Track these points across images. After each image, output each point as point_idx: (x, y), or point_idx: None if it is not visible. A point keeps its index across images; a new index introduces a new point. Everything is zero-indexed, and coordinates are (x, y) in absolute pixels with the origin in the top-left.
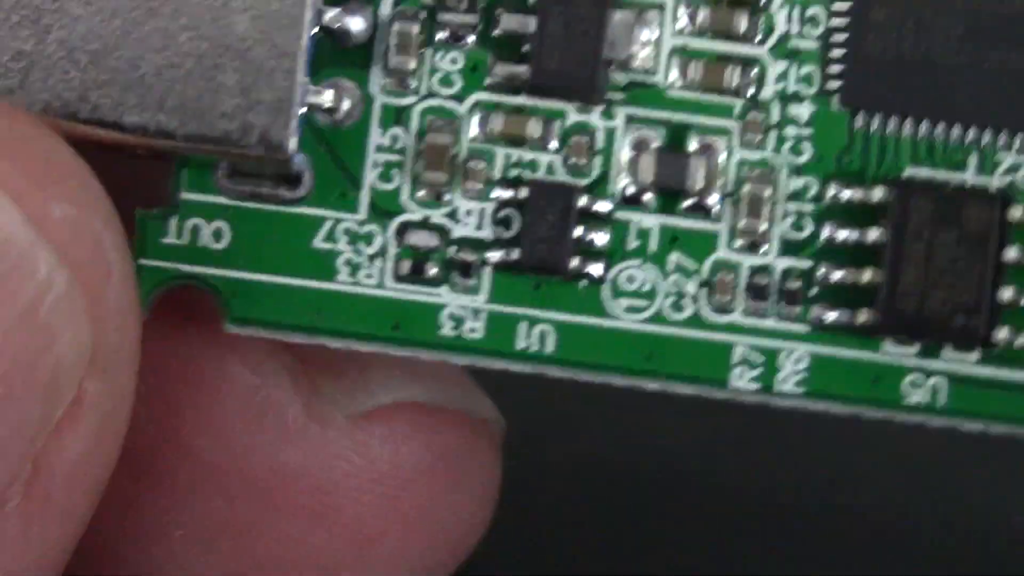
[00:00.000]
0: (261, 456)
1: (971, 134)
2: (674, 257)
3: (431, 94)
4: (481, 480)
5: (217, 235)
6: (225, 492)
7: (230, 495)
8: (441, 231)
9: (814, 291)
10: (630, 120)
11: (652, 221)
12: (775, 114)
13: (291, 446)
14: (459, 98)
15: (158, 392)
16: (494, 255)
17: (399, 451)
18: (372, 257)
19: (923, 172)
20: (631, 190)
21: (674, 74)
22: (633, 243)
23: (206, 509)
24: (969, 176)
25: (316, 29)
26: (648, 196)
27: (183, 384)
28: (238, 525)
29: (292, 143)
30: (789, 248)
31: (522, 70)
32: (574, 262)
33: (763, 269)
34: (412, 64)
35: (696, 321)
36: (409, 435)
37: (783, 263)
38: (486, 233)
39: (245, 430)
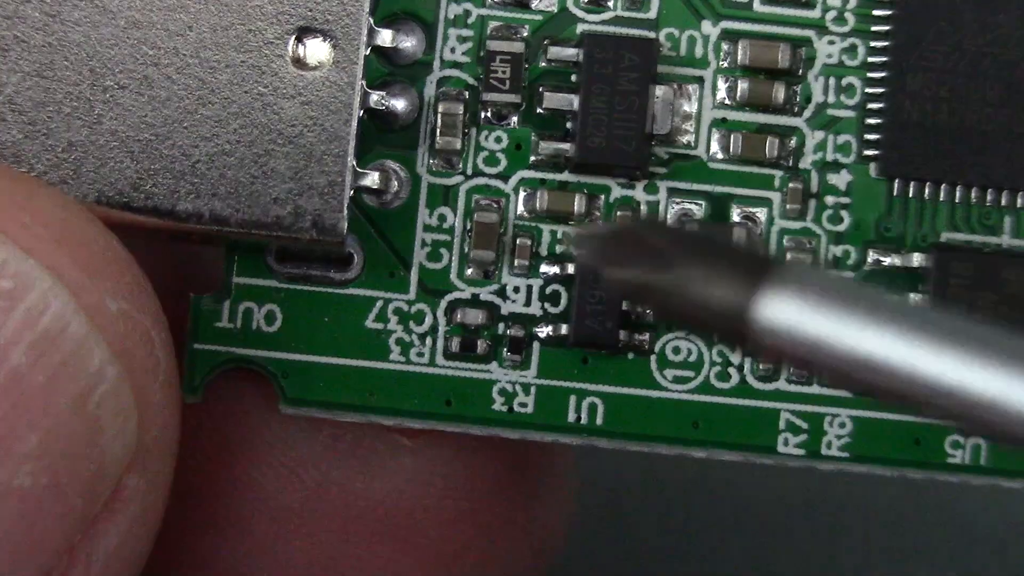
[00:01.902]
0: (335, 490)
1: (1005, 198)
2: None
3: (477, 173)
4: (559, 481)
5: (269, 318)
6: (305, 530)
7: (310, 533)
8: (490, 308)
9: None
10: (673, 193)
11: None
12: (814, 183)
13: (364, 476)
14: (504, 176)
15: (227, 442)
16: (543, 331)
17: (472, 463)
18: (423, 336)
19: (959, 237)
20: None
21: (715, 146)
22: None
23: (288, 549)
24: (1005, 240)
25: (361, 112)
26: None
27: (250, 431)
28: (323, 561)
29: (345, 226)
30: None
31: (566, 147)
32: (622, 335)
33: None
34: (458, 144)
35: (742, 390)
36: (480, 446)
37: None
38: (534, 309)
39: (315, 466)
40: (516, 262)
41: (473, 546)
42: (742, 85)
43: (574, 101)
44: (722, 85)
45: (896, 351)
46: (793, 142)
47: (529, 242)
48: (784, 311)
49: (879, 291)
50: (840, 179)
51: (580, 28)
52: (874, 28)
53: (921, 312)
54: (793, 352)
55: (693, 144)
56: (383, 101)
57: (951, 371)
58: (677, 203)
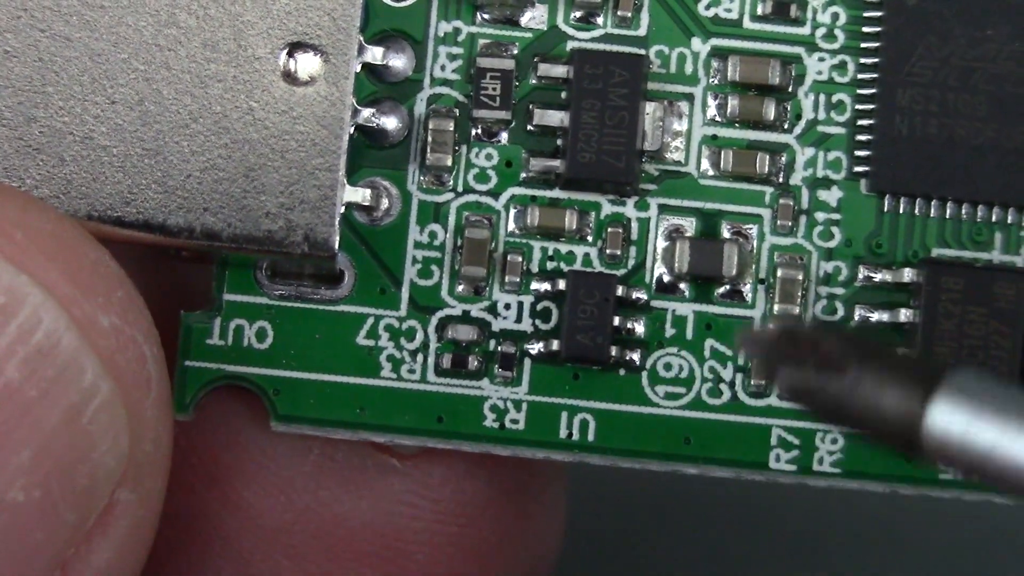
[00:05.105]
0: (324, 510)
1: (996, 213)
2: (710, 343)
3: (467, 190)
4: (548, 507)
5: (260, 335)
6: (292, 551)
7: (298, 554)
8: (481, 324)
9: None
10: (663, 210)
11: (687, 309)
12: (805, 200)
13: (353, 497)
14: (495, 193)
15: (217, 460)
16: (534, 347)
17: (462, 487)
18: (414, 352)
19: (950, 253)
20: (667, 278)
21: (705, 163)
22: (670, 331)
23: (276, 569)
24: (995, 255)
25: (352, 129)
26: (683, 284)
27: (240, 449)
28: None
29: (337, 240)
30: None
31: (556, 164)
32: (613, 351)
33: None
34: (448, 161)
35: (733, 406)
36: (470, 470)
37: None
38: (526, 325)
39: (305, 486)
40: (507, 279)
41: (463, 569)
42: (732, 102)
43: (564, 118)
44: (712, 102)
45: None
46: (784, 158)
47: (520, 259)
48: (956, 419)
49: None
50: (831, 195)
51: (570, 45)
52: (864, 44)
53: None
54: (963, 460)
55: (683, 161)
56: (373, 118)
57: None
58: (667, 220)
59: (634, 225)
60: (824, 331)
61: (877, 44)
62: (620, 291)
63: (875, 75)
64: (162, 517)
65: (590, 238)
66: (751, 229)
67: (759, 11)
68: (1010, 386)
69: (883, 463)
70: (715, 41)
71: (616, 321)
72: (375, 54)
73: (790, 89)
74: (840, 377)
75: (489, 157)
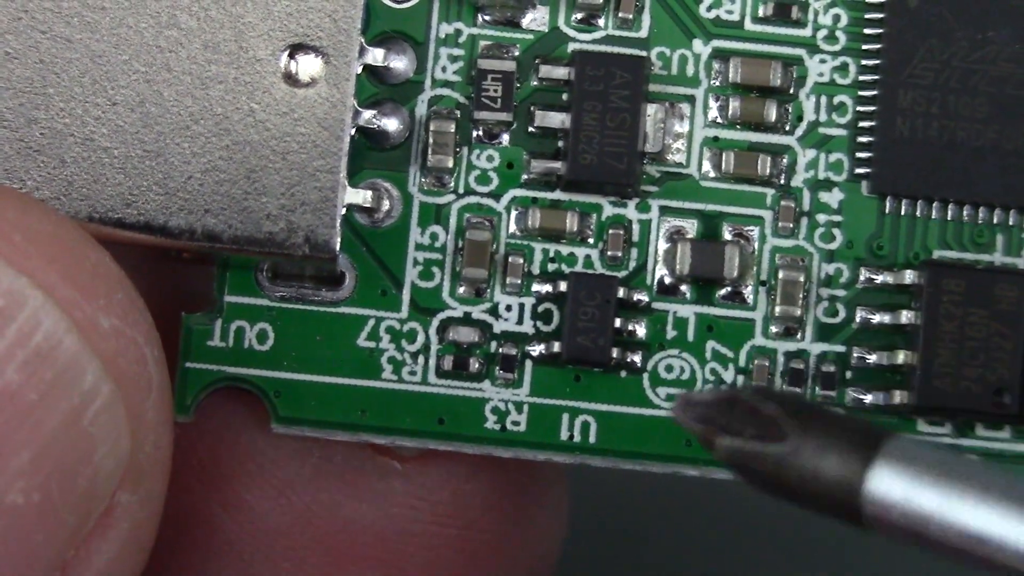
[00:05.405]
0: (324, 513)
1: (997, 215)
2: (711, 345)
3: (468, 192)
4: (549, 509)
5: (261, 337)
6: (292, 554)
7: (298, 556)
8: (482, 326)
9: (849, 375)
10: (664, 212)
11: (689, 310)
12: (806, 201)
13: (353, 500)
14: (496, 195)
15: (217, 462)
16: (535, 349)
17: (461, 490)
18: (415, 354)
19: (951, 255)
20: (668, 280)
21: (706, 165)
22: (671, 333)
23: (277, 572)
24: (997, 257)
25: (353, 130)
26: (684, 286)
27: (241, 450)
28: None
29: (338, 242)
30: (824, 333)
31: (557, 166)
32: (614, 353)
33: (799, 354)
34: (449, 162)
35: None
36: (470, 473)
37: (818, 348)
38: (527, 327)
39: (305, 489)
40: (508, 280)
41: (463, 572)
42: (734, 103)
43: (565, 119)
44: (713, 104)
45: (1010, 529)
46: (785, 160)
47: (521, 260)
48: (896, 486)
49: (990, 466)
50: (832, 197)
51: (571, 47)
52: (865, 46)
53: None
54: (904, 527)
55: (685, 162)
56: (374, 120)
57: None
58: (669, 221)
59: (635, 227)
60: (763, 397)
61: (878, 46)
62: (621, 293)
63: (876, 77)
64: (162, 519)
65: (591, 240)
66: (752, 231)
67: (760, 13)
68: (949, 452)
69: None
70: (716, 43)
71: (617, 323)
72: (376, 56)
73: (791, 91)
74: (779, 444)
75: (490, 159)
